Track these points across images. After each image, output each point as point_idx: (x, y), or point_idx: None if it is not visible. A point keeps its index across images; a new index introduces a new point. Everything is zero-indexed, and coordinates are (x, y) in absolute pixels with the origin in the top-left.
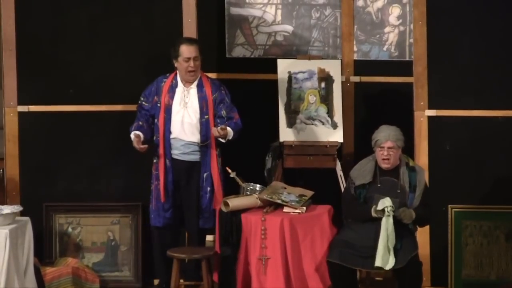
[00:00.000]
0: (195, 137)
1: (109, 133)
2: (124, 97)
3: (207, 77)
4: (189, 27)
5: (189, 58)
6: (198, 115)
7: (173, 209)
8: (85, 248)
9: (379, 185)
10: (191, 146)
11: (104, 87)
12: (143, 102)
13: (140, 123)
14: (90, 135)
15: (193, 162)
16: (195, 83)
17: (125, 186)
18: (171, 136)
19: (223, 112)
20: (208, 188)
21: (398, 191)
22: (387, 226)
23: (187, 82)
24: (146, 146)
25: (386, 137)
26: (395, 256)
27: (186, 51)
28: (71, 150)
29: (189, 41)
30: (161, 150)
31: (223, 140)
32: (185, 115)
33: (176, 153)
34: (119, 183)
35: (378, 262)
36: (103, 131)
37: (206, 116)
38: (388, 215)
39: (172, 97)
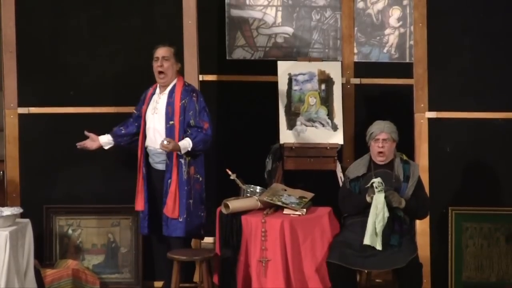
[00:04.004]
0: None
1: None
2: (125, 99)
3: (184, 83)
4: (190, 29)
5: (157, 58)
6: (164, 121)
7: (149, 217)
8: (85, 250)
9: (374, 177)
10: (160, 156)
11: (104, 89)
12: (134, 111)
13: (122, 129)
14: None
15: (164, 171)
16: (168, 89)
17: (125, 188)
18: (146, 144)
19: (192, 121)
20: (169, 195)
21: (393, 180)
22: (376, 203)
23: (162, 87)
24: (89, 145)
25: (380, 129)
26: (395, 256)
27: (157, 51)
28: (71, 152)
29: (163, 43)
30: (139, 158)
31: (179, 153)
32: (153, 121)
33: (151, 162)
34: (120, 185)
35: (366, 240)
36: (104, 133)
37: (171, 122)
38: (379, 191)
39: (148, 104)
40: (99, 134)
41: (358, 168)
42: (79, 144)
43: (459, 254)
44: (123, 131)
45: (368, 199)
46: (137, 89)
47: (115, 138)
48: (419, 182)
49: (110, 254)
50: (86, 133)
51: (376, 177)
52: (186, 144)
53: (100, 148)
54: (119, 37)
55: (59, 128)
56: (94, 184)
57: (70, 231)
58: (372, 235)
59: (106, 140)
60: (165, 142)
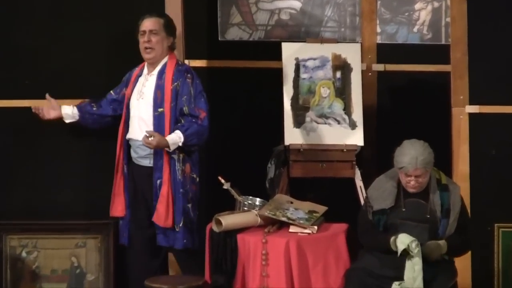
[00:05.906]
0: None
1: (75, 135)
2: (94, 90)
3: (176, 62)
4: (173, 4)
5: (144, 32)
6: (151, 108)
7: (131, 224)
8: (43, 277)
9: (403, 209)
10: (147, 149)
11: (68, 78)
12: (111, 92)
13: (93, 106)
14: (52, 136)
15: (151, 167)
16: (157, 69)
17: (94, 200)
18: (128, 136)
19: (185, 108)
20: (160, 199)
21: (428, 216)
22: (413, 264)
23: (150, 67)
24: (46, 112)
25: (413, 165)
26: (427, 286)
27: (143, 23)
28: (27, 155)
29: (150, 14)
30: (118, 154)
31: (167, 149)
32: (139, 108)
33: (135, 156)
34: (88, 196)
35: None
36: (68, 132)
37: (160, 109)
38: (412, 257)
39: (133, 88)
40: (61, 133)
41: (384, 196)
42: (35, 108)
43: (507, 280)
44: (94, 109)
45: (394, 249)
46: (111, 78)
47: (82, 114)
48: (462, 211)
49: (74, 281)
50: (47, 96)
51: (405, 209)
52: (175, 138)
53: (58, 119)
54: (88, 15)
55: (12, 125)
56: (55, 194)
57: (24, 254)
58: None
59: (69, 112)
60: (149, 138)
